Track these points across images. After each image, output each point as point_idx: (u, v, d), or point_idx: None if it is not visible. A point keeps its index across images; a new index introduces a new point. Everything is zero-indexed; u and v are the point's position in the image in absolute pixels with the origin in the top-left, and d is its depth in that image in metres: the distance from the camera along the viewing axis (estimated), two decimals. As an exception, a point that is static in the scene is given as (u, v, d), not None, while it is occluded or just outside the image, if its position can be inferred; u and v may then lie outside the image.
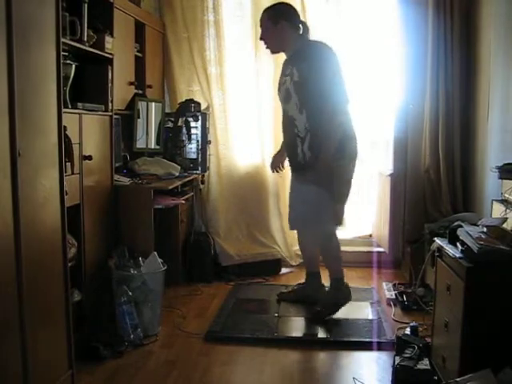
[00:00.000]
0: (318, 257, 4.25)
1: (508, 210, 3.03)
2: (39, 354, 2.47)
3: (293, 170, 4.03)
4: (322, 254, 4.12)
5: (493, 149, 3.95)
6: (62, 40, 2.72)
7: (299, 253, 4.74)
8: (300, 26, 3.86)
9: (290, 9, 3.90)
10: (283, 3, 4.01)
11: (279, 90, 3.93)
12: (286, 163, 4.11)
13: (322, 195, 3.73)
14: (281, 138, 4.13)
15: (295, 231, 4.33)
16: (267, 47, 3.92)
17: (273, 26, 3.80)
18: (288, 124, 3.87)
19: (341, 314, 3.89)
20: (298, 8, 4.87)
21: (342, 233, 5.23)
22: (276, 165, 4.22)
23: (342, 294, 3.93)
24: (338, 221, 3.88)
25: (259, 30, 4.98)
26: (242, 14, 5.06)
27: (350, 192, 3.88)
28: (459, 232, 2.78)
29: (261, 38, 3.90)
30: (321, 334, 3.66)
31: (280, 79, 3.94)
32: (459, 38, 4.55)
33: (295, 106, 3.76)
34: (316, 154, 3.71)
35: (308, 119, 3.73)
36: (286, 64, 3.90)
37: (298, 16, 3.89)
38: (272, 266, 4.99)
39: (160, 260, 3.65)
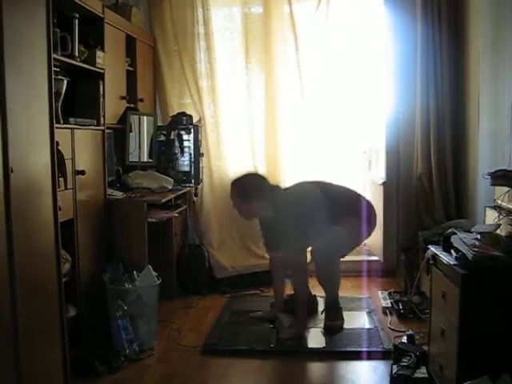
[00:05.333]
0: None
1: (501, 216, 3.04)
2: (34, 371, 2.45)
3: None
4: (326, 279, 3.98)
5: (484, 155, 3.97)
6: (54, 56, 2.73)
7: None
8: (270, 189, 3.90)
9: (258, 183, 3.92)
10: (250, 176, 4.05)
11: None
12: None
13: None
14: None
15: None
16: (240, 215, 4.00)
17: (243, 203, 3.87)
18: None
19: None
20: (287, 19, 4.94)
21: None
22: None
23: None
24: None
25: (250, 42, 5.03)
26: (233, 27, 5.08)
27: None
28: (453, 239, 2.79)
29: (233, 206, 3.95)
30: (317, 344, 3.65)
31: (270, 231, 4.06)
32: (448, 46, 4.58)
33: None
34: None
35: None
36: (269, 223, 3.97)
37: (267, 183, 3.94)
38: (267, 277, 4.94)
39: (155, 273, 3.65)
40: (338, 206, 3.81)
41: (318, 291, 4.18)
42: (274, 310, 4.15)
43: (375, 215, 4.03)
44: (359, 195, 4.04)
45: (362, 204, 3.93)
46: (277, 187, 3.99)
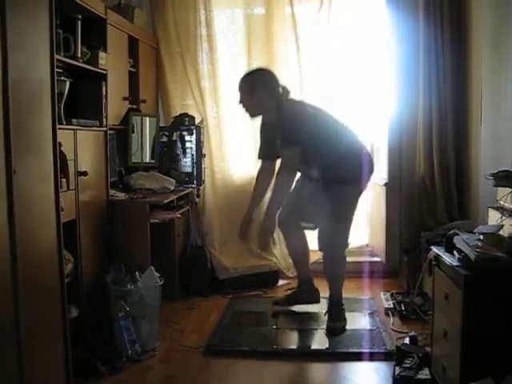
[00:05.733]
0: (308, 262, 4.34)
1: (504, 217, 3.04)
2: (36, 371, 2.45)
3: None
4: (333, 272, 4.03)
5: (487, 156, 3.96)
6: (56, 57, 2.73)
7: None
8: (280, 90, 3.90)
9: (269, 75, 3.94)
10: (262, 70, 4.08)
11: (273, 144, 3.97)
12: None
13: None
14: None
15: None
16: (246, 111, 3.95)
17: (251, 93, 3.84)
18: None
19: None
20: (289, 20, 4.95)
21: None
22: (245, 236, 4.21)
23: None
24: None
25: (252, 44, 5.03)
26: (235, 28, 5.09)
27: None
28: (456, 240, 2.78)
29: (240, 102, 3.92)
30: (319, 345, 3.65)
31: (268, 138, 4.01)
32: (450, 46, 4.57)
33: None
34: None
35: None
36: (270, 128, 3.94)
37: (277, 81, 3.92)
38: (269, 277, 4.98)
39: (157, 274, 3.64)
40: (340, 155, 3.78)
41: (322, 292, 4.19)
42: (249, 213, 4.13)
43: (372, 161, 4.01)
44: (359, 145, 3.96)
45: (363, 160, 3.86)
46: (287, 90, 3.95)
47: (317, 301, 4.24)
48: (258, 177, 4.21)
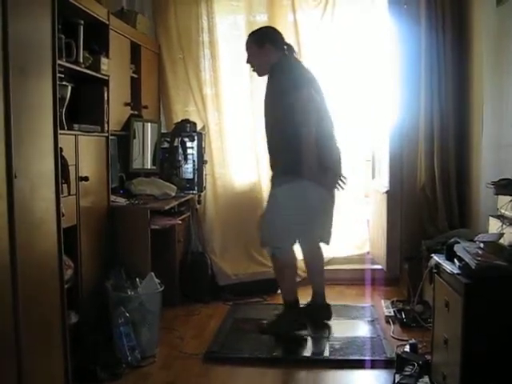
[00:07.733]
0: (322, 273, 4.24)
1: (504, 226, 3.03)
2: (36, 377, 2.44)
3: None
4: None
5: (487, 164, 3.96)
6: (58, 62, 2.74)
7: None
8: (285, 47, 3.92)
9: (274, 32, 4.00)
10: (267, 27, 4.17)
11: None
12: None
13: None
14: None
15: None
16: (254, 70, 4.02)
17: (257, 49, 3.89)
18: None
19: (340, 332, 3.89)
20: (291, 28, 4.97)
21: (339, 251, 5.26)
22: None
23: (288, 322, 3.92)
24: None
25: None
26: (237, 34, 5.09)
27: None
28: (456, 248, 2.78)
29: (247, 62, 3.99)
30: (320, 353, 3.62)
31: None
32: (452, 54, 4.56)
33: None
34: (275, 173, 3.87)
35: (268, 141, 3.93)
36: None
37: (283, 38, 3.97)
38: (270, 284, 4.94)
39: (157, 280, 3.64)
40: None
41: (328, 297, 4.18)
42: None
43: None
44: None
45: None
46: (293, 49, 3.97)
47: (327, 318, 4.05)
48: None
